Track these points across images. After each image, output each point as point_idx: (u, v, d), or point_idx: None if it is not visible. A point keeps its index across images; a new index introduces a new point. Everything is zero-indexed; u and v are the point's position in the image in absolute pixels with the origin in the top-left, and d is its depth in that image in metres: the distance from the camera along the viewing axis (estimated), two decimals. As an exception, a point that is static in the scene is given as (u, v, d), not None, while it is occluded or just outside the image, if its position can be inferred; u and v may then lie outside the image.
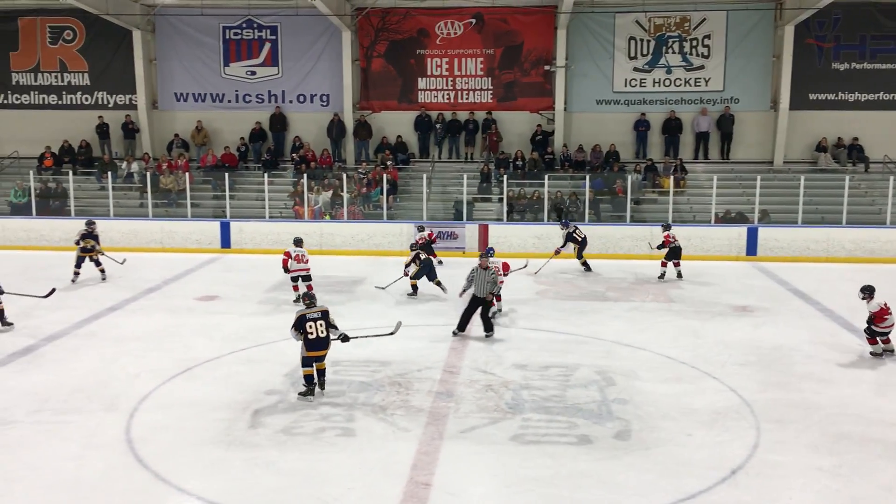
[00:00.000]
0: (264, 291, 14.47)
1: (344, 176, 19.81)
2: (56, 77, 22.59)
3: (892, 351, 10.55)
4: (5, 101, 22.76)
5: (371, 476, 6.99)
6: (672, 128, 21.22)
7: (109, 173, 20.01)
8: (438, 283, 13.83)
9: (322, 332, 8.79)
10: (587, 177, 19.31)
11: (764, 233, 18.09)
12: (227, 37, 22.04)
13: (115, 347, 10.81)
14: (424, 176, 19.63)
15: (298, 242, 13.54)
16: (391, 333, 9.79)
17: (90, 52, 22.39)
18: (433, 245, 16.38)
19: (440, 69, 21.82)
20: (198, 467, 7.14)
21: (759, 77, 21.13)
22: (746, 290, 14.78)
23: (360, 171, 20.91)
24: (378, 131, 21.91)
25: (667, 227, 16.07)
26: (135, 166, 21.28)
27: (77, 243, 15.12)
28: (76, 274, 14.99)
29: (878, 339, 10.46)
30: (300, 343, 8.85)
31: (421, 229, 16.60)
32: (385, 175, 19.51)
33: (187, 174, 20.31)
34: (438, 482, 6.88)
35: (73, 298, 13.74)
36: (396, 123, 21.90)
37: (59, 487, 6.73)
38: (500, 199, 19.70)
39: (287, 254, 13.27)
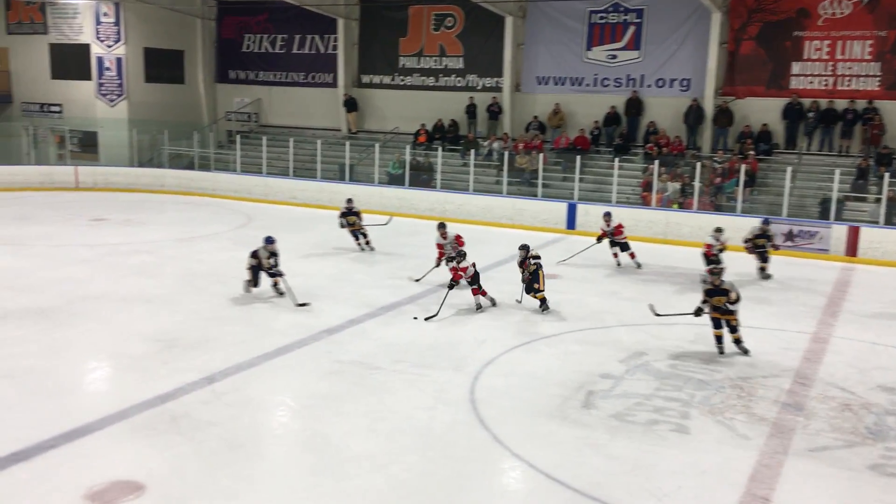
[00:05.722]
0: (604, 275, 14.54)
1: (698, 164, 19.01)
2: (435, 61, 24.80)
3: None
4: (392, 82, 25.58)
5: (704, 479, 6.69)
6: None
7: (472, 151, 21.62)
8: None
9: None
10: None
11: None
12: (593, 21, 22.28)
13: (465, 313, 11.65)
14: (788, 169, 18.05)
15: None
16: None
17: (466, 38, 24.18)
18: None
19: (819, 52, 19.81)
20: (531, 437, 7.41)
21: None
22: None
23: (715, 159, 19.92)
24: (740, 119, 20.64)
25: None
26: (495, 145, 22.65)
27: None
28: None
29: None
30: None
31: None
32: (744, 165, 18.37)
33: (542, 155, 21.09)
34: (779, 499, 6.36)
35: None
36: (762, 111, 20.40)
37: (413, 432, 7.44)
38: (878, 200, 17.43)
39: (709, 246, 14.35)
